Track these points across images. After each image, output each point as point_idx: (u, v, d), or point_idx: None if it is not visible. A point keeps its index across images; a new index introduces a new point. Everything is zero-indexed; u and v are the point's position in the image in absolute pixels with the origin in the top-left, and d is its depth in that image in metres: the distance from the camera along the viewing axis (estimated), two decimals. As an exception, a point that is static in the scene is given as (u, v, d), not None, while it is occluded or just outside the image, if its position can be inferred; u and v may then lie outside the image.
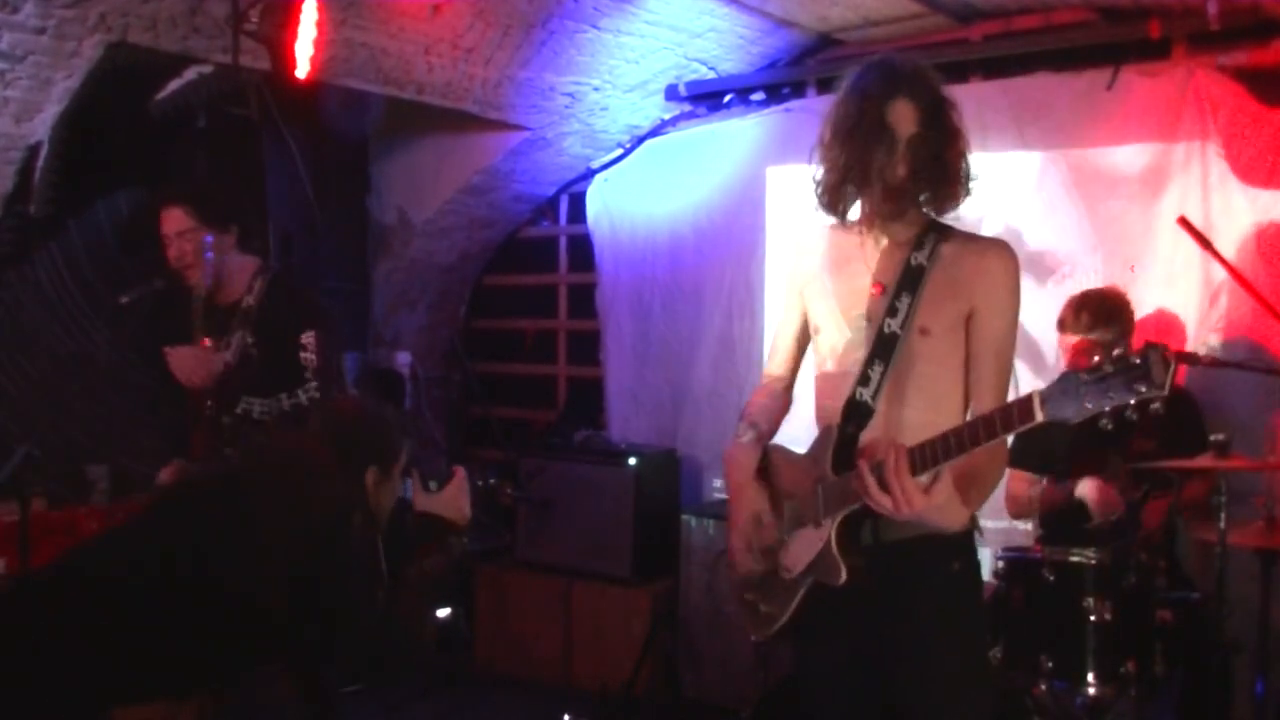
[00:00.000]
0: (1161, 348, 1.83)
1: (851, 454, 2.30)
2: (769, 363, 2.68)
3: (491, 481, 2.87)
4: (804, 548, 2.35)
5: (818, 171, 2.38)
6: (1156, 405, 1.82)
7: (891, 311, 2.32)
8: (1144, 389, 1.82)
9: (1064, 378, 1.91)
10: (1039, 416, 1.94)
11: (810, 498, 2.35)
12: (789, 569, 2.39)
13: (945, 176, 2.28)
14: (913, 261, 2.33)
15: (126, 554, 2.34)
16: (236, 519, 2.30)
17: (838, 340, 2.41)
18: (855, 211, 2.40)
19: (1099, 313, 3.53)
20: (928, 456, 2.10)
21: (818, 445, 2.39)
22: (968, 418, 2.34)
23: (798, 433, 2.57)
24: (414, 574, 2.43)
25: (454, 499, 2.60)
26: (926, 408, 2.32)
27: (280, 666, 2.80)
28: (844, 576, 2.25)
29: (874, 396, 2.31)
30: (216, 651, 2.30)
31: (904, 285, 2.32)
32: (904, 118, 2.26)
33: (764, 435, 2.58)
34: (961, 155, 2.31)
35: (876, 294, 2.36)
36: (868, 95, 2.28)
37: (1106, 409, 1.86)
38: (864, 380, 2.32)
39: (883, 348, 2.32)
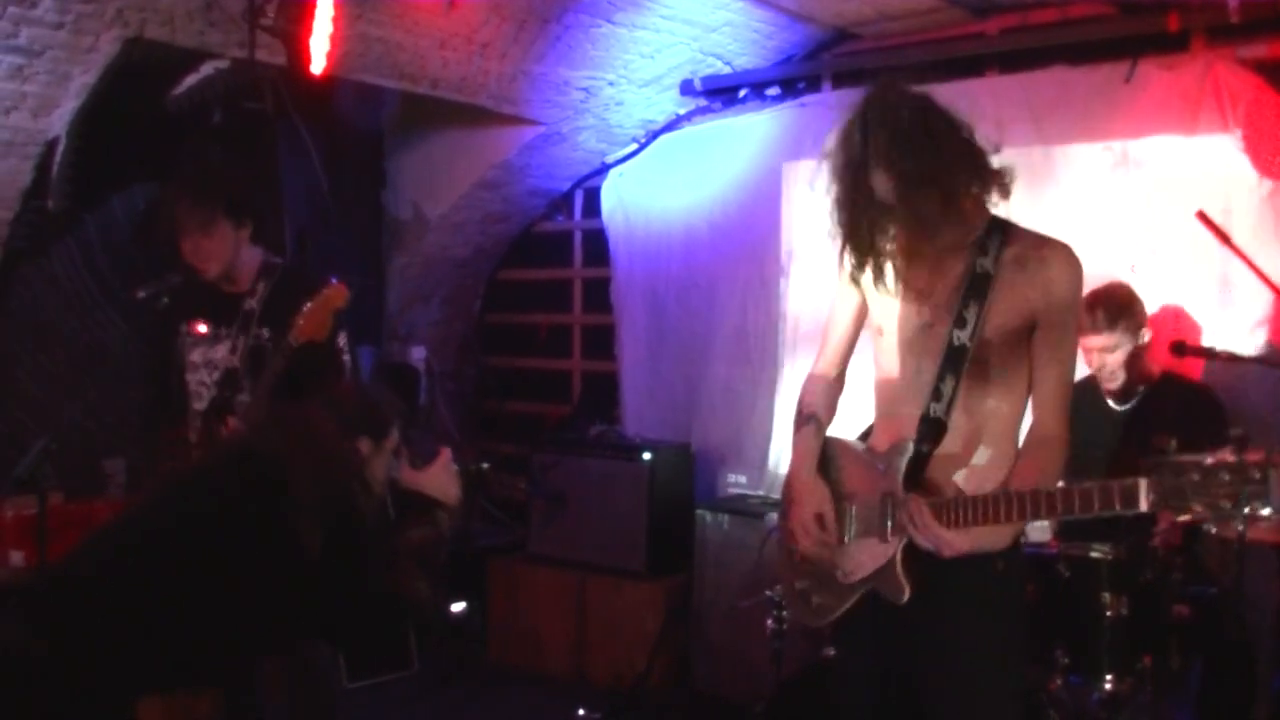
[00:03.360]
0: None
1: (924, 471, 2.30)
2: (818, 359, 2.65)
3: (485, 466, 2.95)
4: (867, 557, 2.35)
5: (834, 233, 2.36)
6: (1267, 525, 1.81)
7: (960, 322, 2.28)
8: (1261, 506, 1.79)
9: (1174, 469, 1.87)
10: (1143, 507, 1.92)
11: (877, 510, 2.34)
12: (848, 573, 2.39)
13: (938, 210, 2.21)
14: (978, 268, 2.29)
15: (152, 526, 2.37)
16: (265, 475, 2.36)
17: (904, 346, 2.38)
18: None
19: (1113, 309, 3.53)
20: (1017, 507, 2.11)
21: (890, 456, 2.35)
22: (1026, 433, 2.35)
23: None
24: (402, 544, 2.50)
25: (438, 478, 2.67)
26: (995, 421, 2.32)
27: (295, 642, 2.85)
28: (906, 596, 2.26)
29: (947, 412, 2.29)
30: (246, 622, 2.32)
31: (971, 293, 2.28)
32: (882, 185, 2.22)
33: (824, 425, 2.57)
34: (958, 176, 2.22)
35: (942, 302, 2.32)
36: (846, 166, 2.26)
37: (1214, 518, 1.84)
38: (936, 395, 2.30)
39: (953, 360, 2.29)
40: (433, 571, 2.49)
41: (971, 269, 2.29)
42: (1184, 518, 1.89)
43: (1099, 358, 3.55)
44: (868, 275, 2.38)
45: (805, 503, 2.46)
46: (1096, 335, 3.53)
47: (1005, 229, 2.33)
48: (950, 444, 2.31)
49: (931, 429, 2.30)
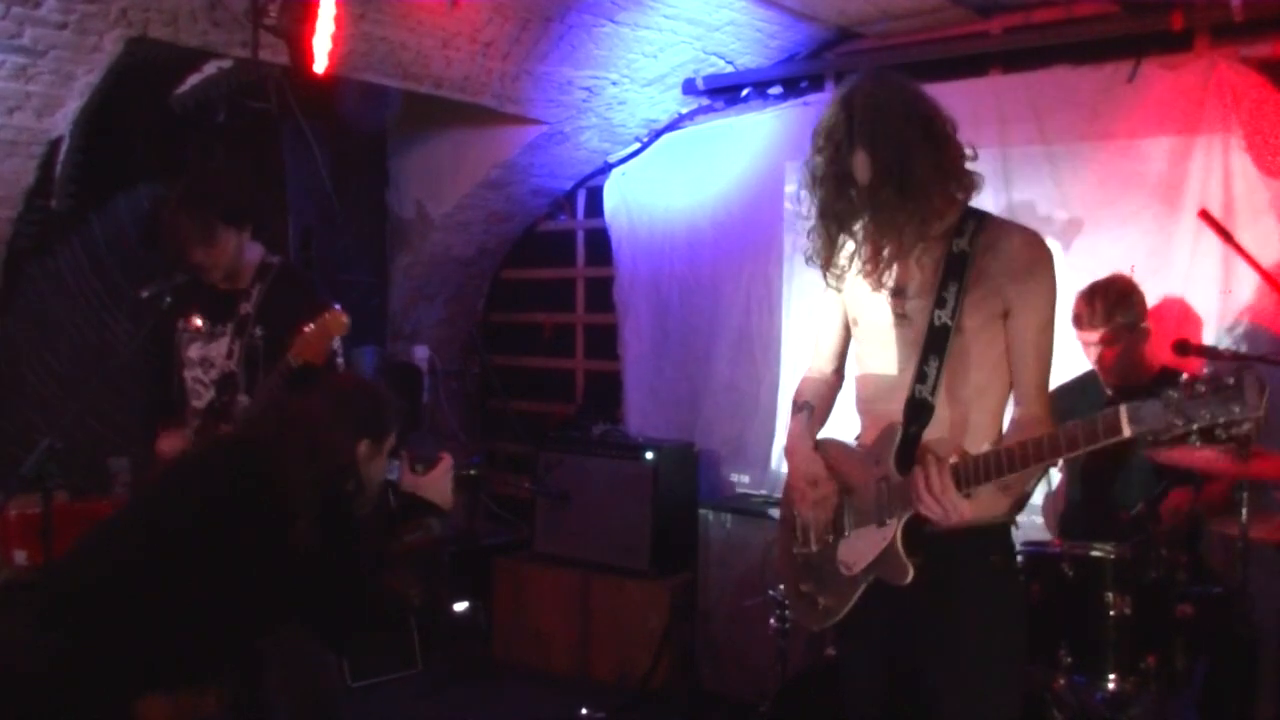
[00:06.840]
0: (1256, 370, 1.85)
1: (914, 453, 2.29)
2: (814, 360, 2.67)
3: (472, 473, 2.94)
4: (866, 545, 2.35)
5: (808, 221, 2.38)
6: (1248, 427, 1.83)
7: (940, 303, 2.28)
8: (1237, 410, 1.83)
9: (1150, 394, 1.91)
10: (1126, 432, 1.93)
11: (872, 496, 2.34)
12: (849, 565, 2.39)
13: (910, 205, 2.22)
14: (955, 249, 2.29)
15: (150, 522, 2.38)
16: (257, 465, 2.36)
17: (884, 336, 2.38)
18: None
19: (1112, 300, 3.53)
20: (998, 465, 2.13)
21: (880, 444, 2.36)
22: (1009, 416, 2.35)
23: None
24: (395, 548, 2.50)
25: (437, 483, 2.68)
26: (976, 403, 2.32)
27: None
28: (910, 576, 2.25)
29: (933, 393, 2.29)
30: (247, 616, 2.33)
31: (950, 274, 2.28)
32: (861, 167, 2.23)
33: (817, 415, 2.58)
34: (934, 173, 2.23)
35: (922, 286, 2.32)
36: (829, 146, 2.29)
37: (1195, 427, 1.86)
38: (921, 377, 2.29)
39: (935, 341, 2.28)
40: (429, 574, 2.49)
41: (948, 251, 2.30)
42: (1166, 438, 1.91)
43: (1095, 351, 3.56)
44: (845, 269, 2.41)
45: (801, 471, 2.48)
46: (1093, 330, 3.53)
47: (980, 216, 2.34)
48: (937, 429, 2.31)
49: (918, 410, 2.30)
